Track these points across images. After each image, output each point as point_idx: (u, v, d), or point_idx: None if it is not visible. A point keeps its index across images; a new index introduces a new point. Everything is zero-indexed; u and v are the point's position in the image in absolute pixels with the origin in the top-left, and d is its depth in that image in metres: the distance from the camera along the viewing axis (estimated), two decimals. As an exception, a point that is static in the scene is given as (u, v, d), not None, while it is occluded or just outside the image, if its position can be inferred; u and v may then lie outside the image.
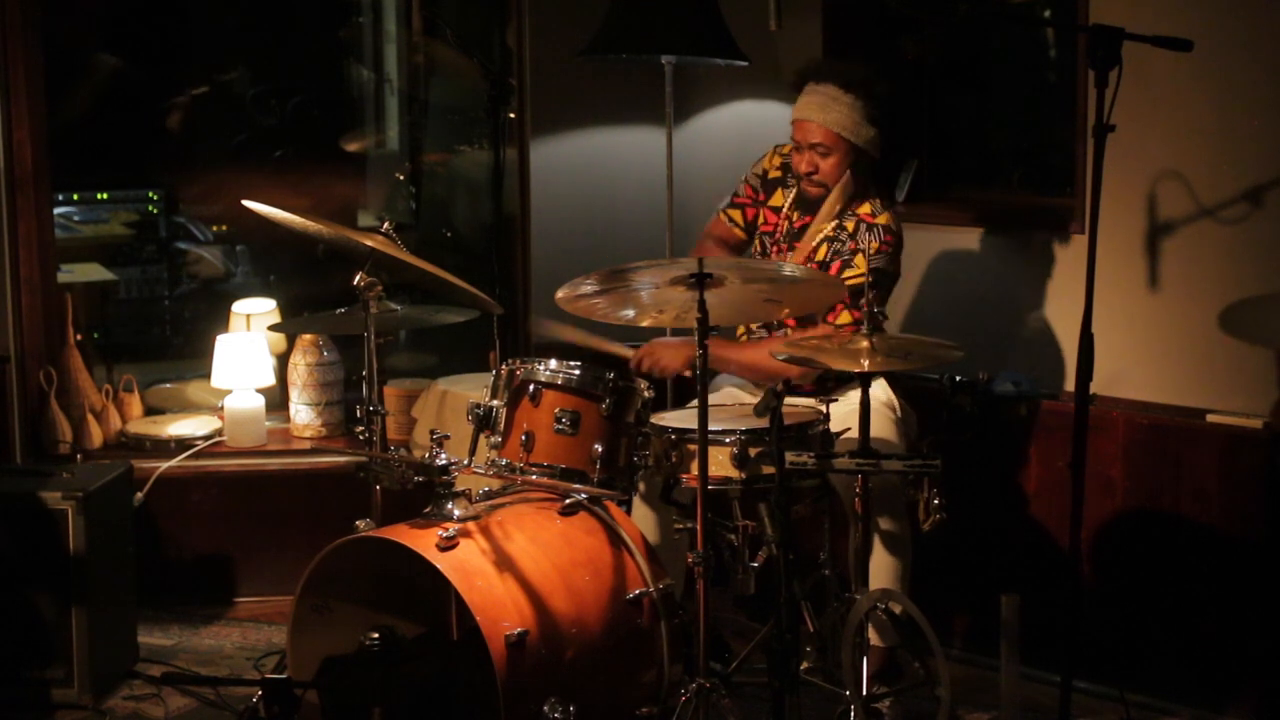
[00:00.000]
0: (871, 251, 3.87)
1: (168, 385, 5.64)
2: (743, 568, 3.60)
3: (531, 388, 3.51)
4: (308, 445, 4.96)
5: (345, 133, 6.53)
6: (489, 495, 3.64)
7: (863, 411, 3.45)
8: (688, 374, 3.36)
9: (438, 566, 3.21)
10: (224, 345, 4.97)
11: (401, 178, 6.31)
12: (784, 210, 4.09)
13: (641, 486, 3.80)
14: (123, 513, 4.22)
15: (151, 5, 6.53)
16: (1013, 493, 4.27)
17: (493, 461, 3.54)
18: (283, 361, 5.16)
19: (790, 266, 3.82)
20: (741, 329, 4.14)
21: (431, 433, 3.47)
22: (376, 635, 3.28)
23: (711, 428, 3.41)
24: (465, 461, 3.49)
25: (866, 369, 3.39)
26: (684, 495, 3.77)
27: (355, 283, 3.66)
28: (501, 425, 3.53)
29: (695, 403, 3.35)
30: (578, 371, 3.52)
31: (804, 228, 4.03)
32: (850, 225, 3.94)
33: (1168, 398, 4.06)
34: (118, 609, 4.13)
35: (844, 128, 3.88)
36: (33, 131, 4.74)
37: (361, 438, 3.75)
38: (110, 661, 4.06)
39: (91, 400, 4.94)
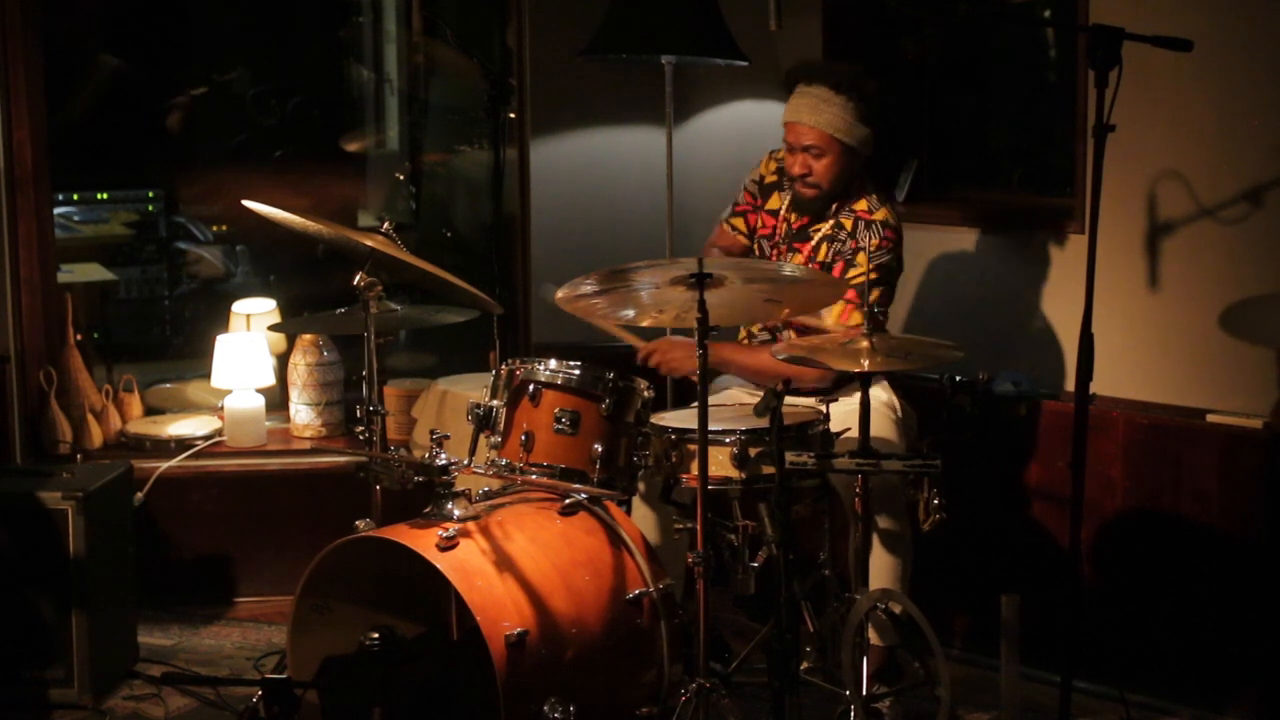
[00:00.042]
0: (872, 248, 3.87)
1: (168, 385, 5.64)
2: (743, 568, 3.60)
3: (531, 388, 3.51)
4: (308, 445, 4.96)
5: (345, 133, 6.53)
6: (489, 495, 3.64)
7: (863, 411, 3.45)
8: (694, 378, 3.36)
9: (438, 566, 3.21)
10: (224, 345, 4.97)
11: (401, 178, 6.31)
12: (781, 212, 4.09)
13: (641, 486, 3.80)
14: (123, 513, 4.22)
15: (151, 5, 6.53)
16: (1013, 493, 4.27)
17: (493, 461, 3.54)
18: (283, 361, 5.16)
19: (790, 266, 3.82)
20: (743, 331, 4.14)
21: (431, 433, 3.47)
22: (376, 635, 3.28)
23: (711, 428, 3.41)
24: (465, 461, 3.49)
25: (866, 369, 3.39)
26: (684, 495, 3.76)
27: (355, 283, 3.66)
28: (501, 425, 3.53)
29: (695, 403, 3.35)
30: (577, 371, 3.52)
31: (804, 228, 4.03)
32: (849, 223, 3.95)
33: (1168, 398, 4.06)
34: (118, 609, 4.13)
35: (836, 129, 3.88)
36: (33, 131, 4.74)
37: (361, 438, 3.75)
38: (110, 661, 4.06)
39: (91, 400, 4.94)
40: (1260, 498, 3.83)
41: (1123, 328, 4.09)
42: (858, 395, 3.47)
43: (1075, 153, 4.19)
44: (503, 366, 3.59)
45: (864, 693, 3.48)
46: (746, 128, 4.99)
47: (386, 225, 3.81)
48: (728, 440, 3.56)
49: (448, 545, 3.27)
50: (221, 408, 5.04)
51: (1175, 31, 3.36)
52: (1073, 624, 3.41)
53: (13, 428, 4.71)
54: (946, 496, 3.40)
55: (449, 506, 3.41)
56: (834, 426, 3.63)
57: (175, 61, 6.54)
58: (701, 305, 3.29)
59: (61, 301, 4.96)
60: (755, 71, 4.67)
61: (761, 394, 3.29)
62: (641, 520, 3.87)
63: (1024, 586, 3.53)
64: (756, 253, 4.15)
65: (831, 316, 3.91)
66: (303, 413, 5.02)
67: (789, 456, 3.34)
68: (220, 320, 5.29)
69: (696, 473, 3.33)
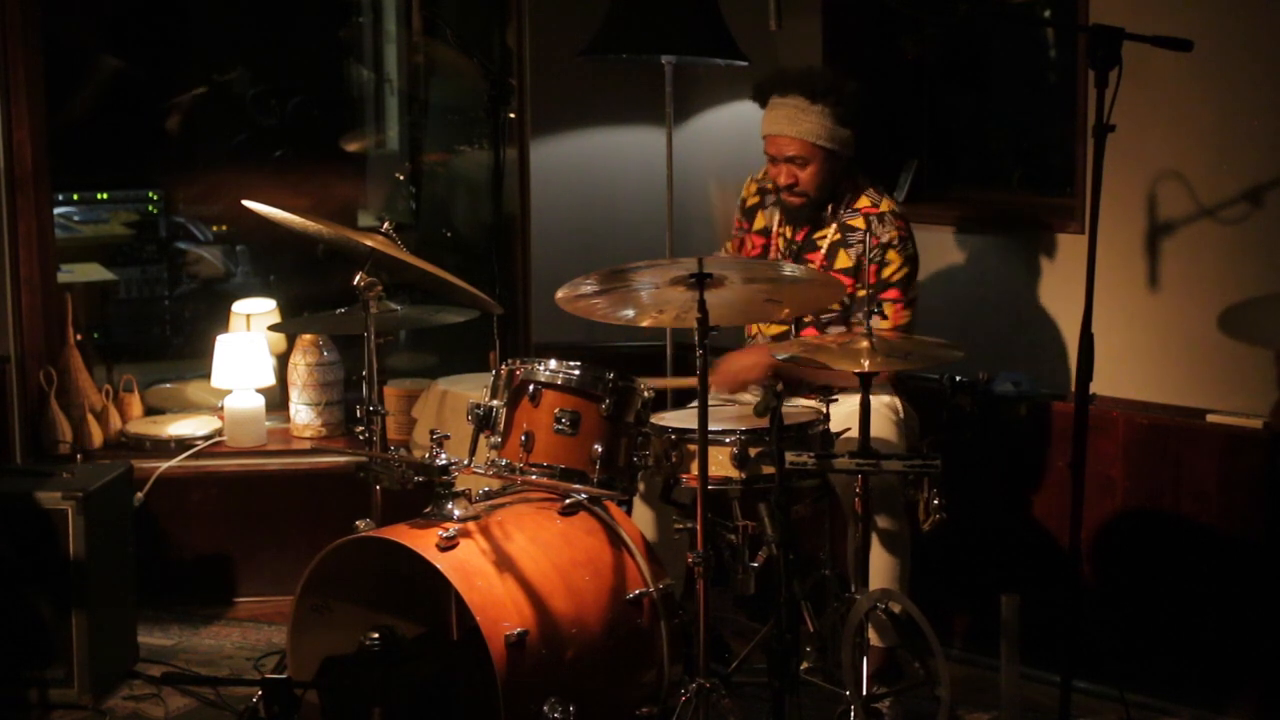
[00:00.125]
0: (895, 241, 3.88)
1: (168, 385, 5.64)
2: (743, 568, 3.60)
3: (531, 388, 3.51)
4: (308, 445, 4.96)
5: (345, 133, 6.53)
6: (489, 495, 3.64)
7: (863, 411, 3.45)
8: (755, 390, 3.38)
9: (438, 566, 3.21)
10: (224, 345, 4.97)
11: (401, 178, 6.31)
12: (773, 229, 4.09)
13: (641, 486, 3.79)
14: (123, 513, 4.22)
15: (151, 5, 6.53)
16: (1013, 493, 4.27)
17: (493, 461, 3.54)
18: (283, 361, 5.16)
19: (790, 266, 3.82)
20: (754, 329, 4.13)
21: (431, 433, 3.47)
22: (376, 635, 3.28)
23: (711, 428, 3.41)
24: (465, 461, 3.49)
25: (866, 369, 3.39)
26: (684, 495, 3.77)
27: (355, 283, 3.66)
28: (501, 425, 3.53)
29: (695, 403, 3.35)
30: (577, 372, 3.51)
31: (807, 238, 4.02)
32: (858, 222, 3.94)
33: (1168, 398, 4.05)
34: (118, 609, 4.13)
35: (818, 136, 3.88)
36: (33, 131, 4.74)
37: (361, 438, 3.75)
38: (110, 661, 4.06)
39: (91, 400, 4.94)
40: (1260, 498, 3.83)
41: (1123, 328, 4.09)
42: (858, 395, 3.47)
43: (1075, 153, 4.19)
44: (503, 366, 3.59)
45: (864, 693, 3.48)
46: (746, 128, 4.97)
47: (386, 225, 3.82)
48: (728, 440, 3.56)
49: (448, 545, 3.27)
50: (221, 408, 5.04)
51: (1175, 31, 3.36)
52: (1073, 624, 3.41)
53: (13, 428, 4.71)
54: (946, 496, 3.40)
55: (449, 506, 3.41)
56: (834, 427, 3.63)
57: (175, 61, 6.54)
58: (701, 305, 3.29)
59: (61, 301, 4.96)
60: (755, 71, 4.66)
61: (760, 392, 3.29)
62: (641, 520, 3.87)
63: (1024, 586, 3.52)
64: None
65: (886, 322, 3.90)
66: (303, 413, 5.02)
67: (789, 456, 3.34)
68: (220, 320, 5.29)
69: (696, 473, 3.33)
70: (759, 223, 4.14)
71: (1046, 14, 4.77)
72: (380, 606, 3.53)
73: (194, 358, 5.86)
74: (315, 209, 4.37)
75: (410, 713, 3.30)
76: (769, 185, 4.08)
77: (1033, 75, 4.86)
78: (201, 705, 3.98)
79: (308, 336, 5.02)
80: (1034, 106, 4.82)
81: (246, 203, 3.73)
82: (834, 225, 3.98)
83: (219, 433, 4.97)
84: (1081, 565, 3.93)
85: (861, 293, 3.84)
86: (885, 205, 3.96)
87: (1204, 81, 3.89)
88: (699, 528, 3.33)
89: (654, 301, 3.46)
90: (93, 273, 5.95)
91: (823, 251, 3.98)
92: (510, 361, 3.59)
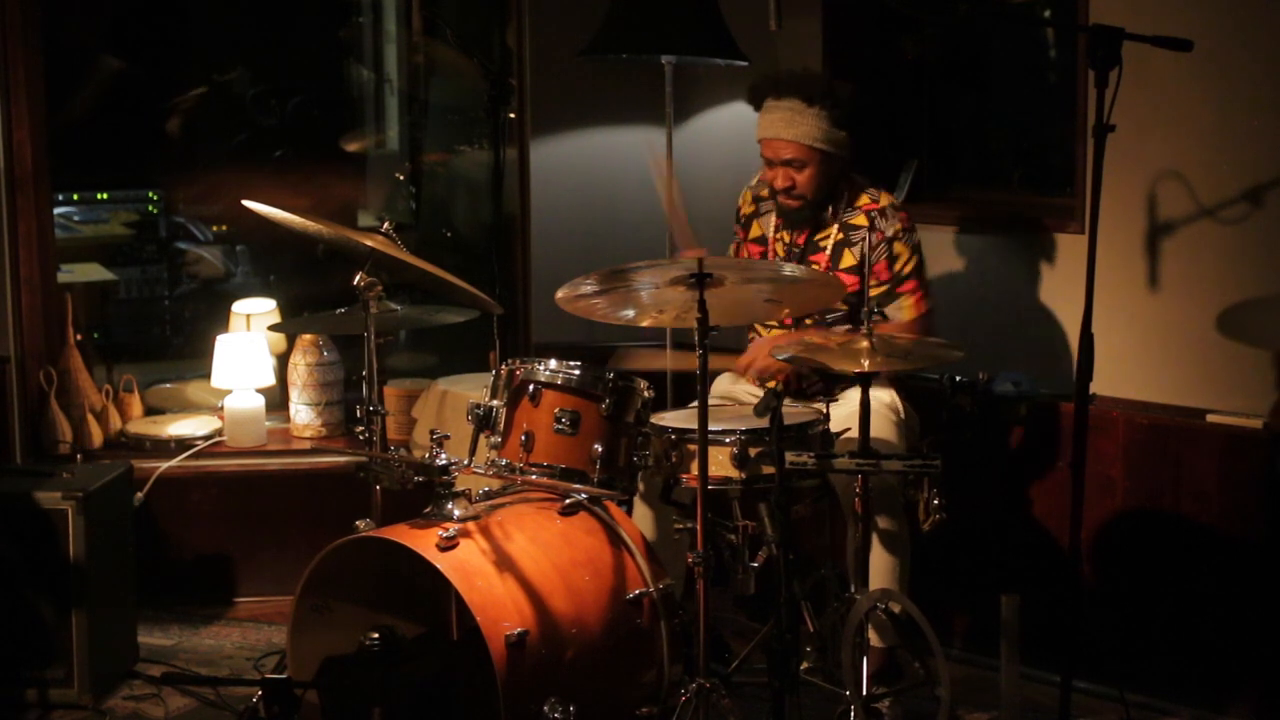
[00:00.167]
0: (900, 233, 3.89)
1: (168, 385, 5.64)
2: (743, 568, 3.60)
3: (531, 388, 3.51)
4: (308, 445, 4.96)
5: (345, 133, 6.53)
6: (489, 495, 3.64)
7: (863, 412, 3.45)
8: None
9: (438, 566, 3.21)
10: (224, 345, 4.97)
11: (401, 178, 6.31)
12: (770, 235, 4.09)
13: (641, 486, 3.79)
14: (123, 513, 4.22)
15: (151, 5, 6.53)
16: (1013, 493, 4.26)
17: (493, 461, 3.54)
18: (283, 361, 5.16)
19: (790, 266, 3.82)
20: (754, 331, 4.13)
21: (431, 433, 3.47)
22: (376, 635, 3.28)
23: (711, 428, 3.41)
24: (465, 461, 3.49)
25: (866, 369, 3.39)
26: (684, 495, 3.77)
27: (355, 283, 3.66)
28: (501, 425, 3.53)
29: (695, 403, 3.35)
30: (577, 371, 3.52)
31: (809, 241, 4.02)
32: (860, 220, 3.94)
33: (1168, 398, 4.05)
34: (118, 609, 4.13)
35: (815, 139, 3.88)
36: (33, 131, 4.74)
37: (361, 438, 3.75)
38: (110, 661, 4.06)
39: (91, 400, 4.94)
40: (1260, 498, 3.83)
41: (1123, 328, 4.09)
42: (859, 396, 3.47)
43: (1075, 153, 4.19)
44: (503, 366, 3.59)
45: (864, 693, 3.48)
46: (746, 128, 4.96)
47: (386, 225, 3.81)
48: (728, 440, 3.56)
49: (448, 545, 3.27)
50: (221, 408, 5.04)
51: (1175, 31, 3.36)
52: (1073, 624, 3.41)
53: (13, 428, 4.71)
54: (946, 496, 3.40)
55: (449, 506, 3.41)
56: (834, 427, 3.63)
57: (175, 61, 6.54)
58: (701, 305, 3.29)
59: (61, 301, 4.96)
60: (755, 71, 4.66)
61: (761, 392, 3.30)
62: (641, 520, 3.87)
63: (1024, 586, 3.52)
64: None
65: (904, 312, 3.92)
66: (303, 413, 5.02)
67: (789, 456, 3.34)
68: (220, 320, 5.29)
69: (696, 473, 3.33)
70: (754, 231, 4.14)
71: (1046, 14, 4.77)
72: (380, 606, 3.53)
73: (194, 358, 5.86)
74: (315, 209, 4.36)
75: (410, 713, 3.30)
76: (763, 193, 4.09)
77: (1033, 75, 4.86)
78: (201, 705, 3.98)
79: (308, 336, 5.02)
80: (1034, 106, 4.82)
81: (246, 203, 3.73)
82: (835, 226, 3.99)
83: (219, 433, 4.97)
84: (1081, 565, 3.93)
85: (874, 291, 3.85)
86: (885, 200, 3.97)
87: (1204, 81, 3.89)
88: (699, 528, 3.33)
89: (654, 301, 3.46)
90: (93, 273, 5.95)
91: (827, 253, 3.99)
92: (510, 361, 3.59)
